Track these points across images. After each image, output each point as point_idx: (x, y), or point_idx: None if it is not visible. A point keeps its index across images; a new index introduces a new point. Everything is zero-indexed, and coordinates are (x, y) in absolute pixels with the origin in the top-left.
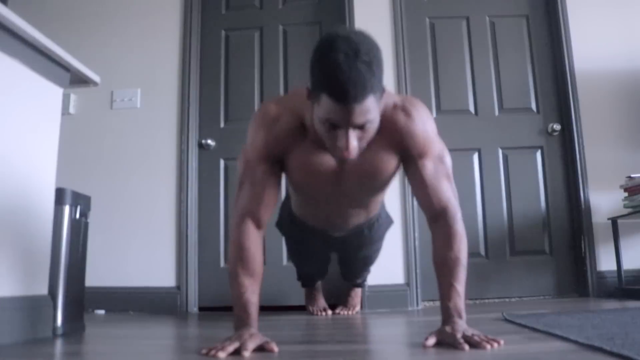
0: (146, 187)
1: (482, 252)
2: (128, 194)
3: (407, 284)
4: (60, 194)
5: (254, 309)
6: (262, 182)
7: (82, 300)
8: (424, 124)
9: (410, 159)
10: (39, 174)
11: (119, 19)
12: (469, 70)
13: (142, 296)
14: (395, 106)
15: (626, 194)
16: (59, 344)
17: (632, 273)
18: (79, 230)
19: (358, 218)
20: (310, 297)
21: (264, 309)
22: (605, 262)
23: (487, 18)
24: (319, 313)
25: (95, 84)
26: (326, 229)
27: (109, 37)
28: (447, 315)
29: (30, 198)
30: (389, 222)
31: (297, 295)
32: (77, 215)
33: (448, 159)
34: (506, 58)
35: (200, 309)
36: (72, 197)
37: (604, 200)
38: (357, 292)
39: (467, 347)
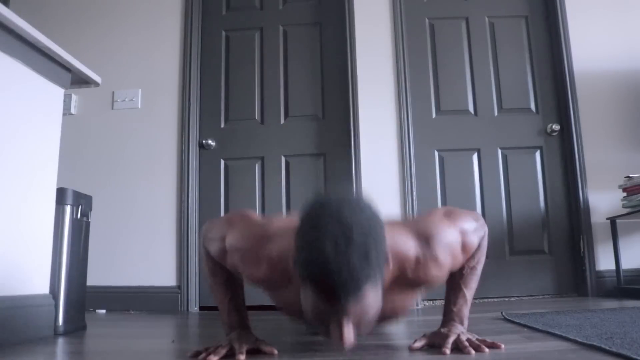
0: (147, 186)
1: None
2: (129, 193)
3: None
4: (61, 194)
5: (242, 311)
6: (228, 281)
7: (83, 300)
8: (455, 258)
9: None
10: (40, 174)
11: (119, 20)
12: (469, 71)
13: (143, 296)
14: (418, 261)
15: (625, 194)
16: (60, 343)
17: (631, 272)
18: (80, 230)
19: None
20: None
21: (263, 308)
22: (604, 261)
23: (487, 19)
24: None
25: (96, 84)
26: None
27: (110, 37)
28: (448, 319)
29: (32, 198)
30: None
31: None
32: (79, 215)
33: (474, 237)
34: (505, 58)
35: (201, 308)
36: (73, 197)
37: (602, 200)
38: None
39: (448, 351)
